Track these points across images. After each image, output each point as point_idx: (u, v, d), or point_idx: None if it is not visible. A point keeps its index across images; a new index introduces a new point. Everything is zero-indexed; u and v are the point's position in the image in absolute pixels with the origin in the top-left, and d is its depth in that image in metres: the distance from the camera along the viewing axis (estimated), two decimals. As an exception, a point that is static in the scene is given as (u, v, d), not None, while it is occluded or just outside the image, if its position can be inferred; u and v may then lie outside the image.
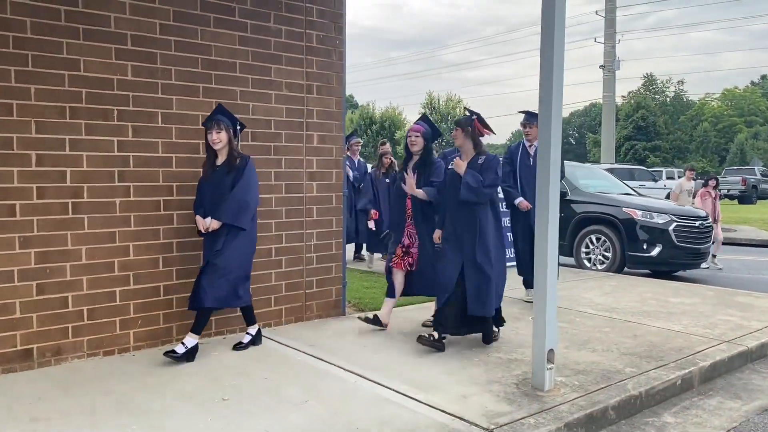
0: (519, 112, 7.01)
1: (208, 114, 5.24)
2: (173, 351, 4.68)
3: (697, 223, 9.68)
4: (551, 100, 4.20)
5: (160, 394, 4.11)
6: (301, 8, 5.75)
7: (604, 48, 34.93)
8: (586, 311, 6.69)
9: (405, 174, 5.50)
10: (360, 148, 10.22)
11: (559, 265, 9.73)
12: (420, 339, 5.07)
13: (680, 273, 10.37)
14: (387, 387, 4.33)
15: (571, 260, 10.26)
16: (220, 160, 4.91)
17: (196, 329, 4.76)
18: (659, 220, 9.46)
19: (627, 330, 5.92)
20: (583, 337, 5.65)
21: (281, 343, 5.29)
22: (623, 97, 66.00)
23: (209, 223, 4.80)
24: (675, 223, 9.46)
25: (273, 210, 5.68)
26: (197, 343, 4.79)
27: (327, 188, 6.04)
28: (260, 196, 5.61)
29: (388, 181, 9.02)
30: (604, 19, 34.47)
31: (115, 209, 4.84)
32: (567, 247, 10.24)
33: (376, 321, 5.63)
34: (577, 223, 10.14)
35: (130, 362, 4.77)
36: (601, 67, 39.75)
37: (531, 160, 6.86)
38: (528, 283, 7.06)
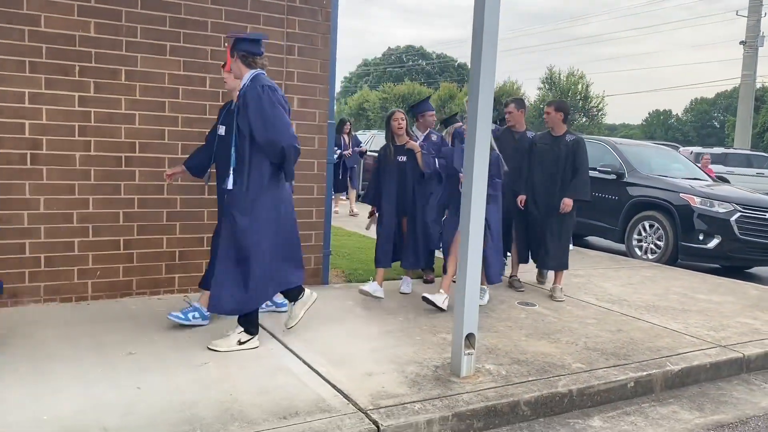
0: None
1: (176, 73, 5.28)
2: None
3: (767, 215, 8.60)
4: (480, 71, 3.81)
5: (74, 343, 4.23)
6: (284, -33, 5.61)
7: (747, 22, 32.07)
8: (586, 300, 6.15)
9: None
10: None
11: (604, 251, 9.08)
12: None
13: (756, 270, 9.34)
14: (299, 357, 4.20)
15: (622, 247, 9.50)
16: None
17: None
18: (720, 209, 8.49)
19: (614, 324, 5.38)
20: (555, 327, 5.20)
21: (233, 305, 5.28)
22: (773, 77, 59.98)
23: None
24: (739, 214, 8.45)
25: (245, 172, 5.64)
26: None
27: (308, 154, 5.90)
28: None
29: None
30: (750, -10, 31.54)
31: (75, 162, 5.00)
32: (618, 233, 9.49)
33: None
34: (630, 208, 9.33)
35: (78, 310, 4.95)
36: (741, 43, 36.54)
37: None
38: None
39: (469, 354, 4.01)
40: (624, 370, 4.31)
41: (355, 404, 3.53)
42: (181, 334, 4.53)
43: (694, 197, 8.65)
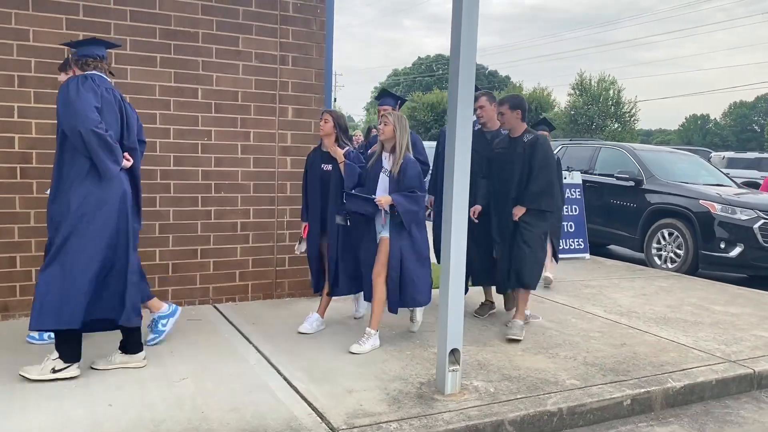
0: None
1: (167, 84, 5.25)
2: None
3: (794, 223, 8.22)
4: (458, 68, 3.67)
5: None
6: (276, -24, 5.55)
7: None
8: (593, 312, 5.92)
9: None
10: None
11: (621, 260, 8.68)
12: None
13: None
14: (280, 373, 4.09)
15: (641, 256, 9.20)
16: None
17: None
18: (742, 216, 8.15)
19: (619, 337, 5.15)
20: (556, 341, 4.99)
21: (225, 317, 5.21)
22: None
23: None
24: (762, 221, 8.09)
25: (239, 184, 5.58)
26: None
27: (303, 164, 5.81)
28: (225, 169, 5.56)
29: None
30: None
31: (65, 176, 4.98)
32: (637, 242, 9.19)
33: None
34: (649, 216, 9.04)
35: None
36: (779, 45, 35.48)
37: None
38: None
39: (453, 370, 3.85)
40: (621, 386, 4.10)
41: (328, 423, 3.40)
42: (164, 348, 4.45)
43: (715, 204, 8.32)
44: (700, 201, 8.45)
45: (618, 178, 9.48)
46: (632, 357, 4.68)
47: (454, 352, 3.85)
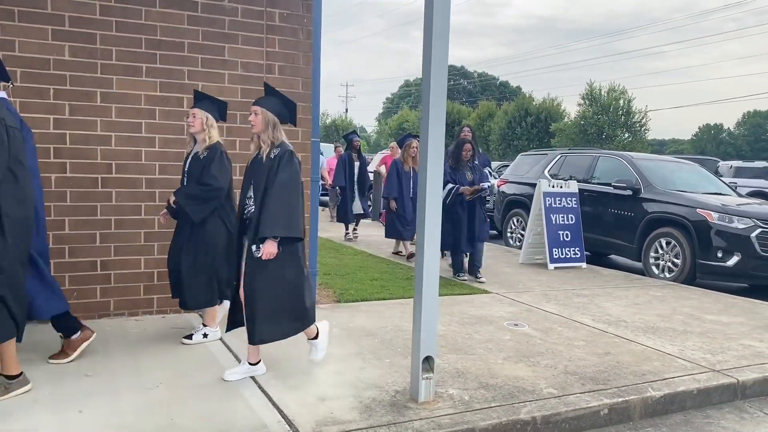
0: None
1: (152, 94, 5.30)
2: None
3: (792, 231, 8.12)
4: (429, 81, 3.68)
5: (33, 365, 4.22)
6: (261, -14, 5.60)
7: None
8: (580, 321, 5.87)
9: None
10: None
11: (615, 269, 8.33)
12: None
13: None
14: (255, 380, 4.09)
15: (641, 265, 9.11)
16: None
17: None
18: (739, 224, 8.07)
19: (604, 346, 5.10)
20: (538, 350, 4.96)
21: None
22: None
23: None
24: (760, 230, 8.00)
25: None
26: None
27: (290, 172, 5.83)
28: (211, 177, 5.57)
29: None
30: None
31: (51, 184, 5.03)
32: (635, 251, 9.12)
33: None
34: (646, 225, 8.96)
35: (51, 332, 4.94)
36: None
37: None
38: None
39: (427, 378, 3.83)
40: (599, 395, 4.05)
41: (296, 430, 3.39)
42: (143, 356, 4.46)
43: (711, 213, 8.24)
44: (697, 210, 8.37)
45: (616, 187, 9.43)
46: (614, 366, 4.63)
47: (428, 359, 3.83)
